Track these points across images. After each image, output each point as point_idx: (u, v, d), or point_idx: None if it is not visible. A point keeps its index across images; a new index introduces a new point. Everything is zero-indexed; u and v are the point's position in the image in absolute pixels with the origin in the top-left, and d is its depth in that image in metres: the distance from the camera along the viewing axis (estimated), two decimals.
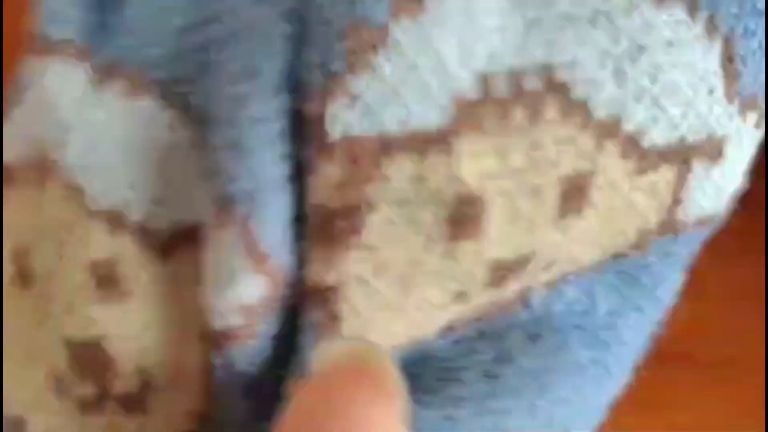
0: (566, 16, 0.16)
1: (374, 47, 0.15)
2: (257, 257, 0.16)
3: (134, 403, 0.17)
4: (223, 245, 0.16)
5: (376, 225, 0.16)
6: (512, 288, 0.18)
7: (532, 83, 0.16)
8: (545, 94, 0.16)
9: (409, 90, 0.15)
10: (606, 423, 0.30)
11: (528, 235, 0.17)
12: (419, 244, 0.16)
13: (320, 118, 0.15)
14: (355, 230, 0.16)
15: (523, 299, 0.18)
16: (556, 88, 0.16)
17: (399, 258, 0.16)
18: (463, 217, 0.16)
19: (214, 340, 0.16)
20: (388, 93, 0.15)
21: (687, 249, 0.20)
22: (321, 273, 0.16)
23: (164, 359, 0.17)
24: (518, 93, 0.16)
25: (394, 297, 0.17)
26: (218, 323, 0.16)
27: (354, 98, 0.15)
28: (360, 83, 0.15)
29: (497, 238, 0.17)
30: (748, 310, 0.30)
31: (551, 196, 0.17)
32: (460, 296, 0.17)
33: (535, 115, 0.16)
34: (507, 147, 0.16)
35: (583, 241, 0.18)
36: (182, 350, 0.17)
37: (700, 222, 0.20)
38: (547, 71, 0.16)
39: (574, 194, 0.17)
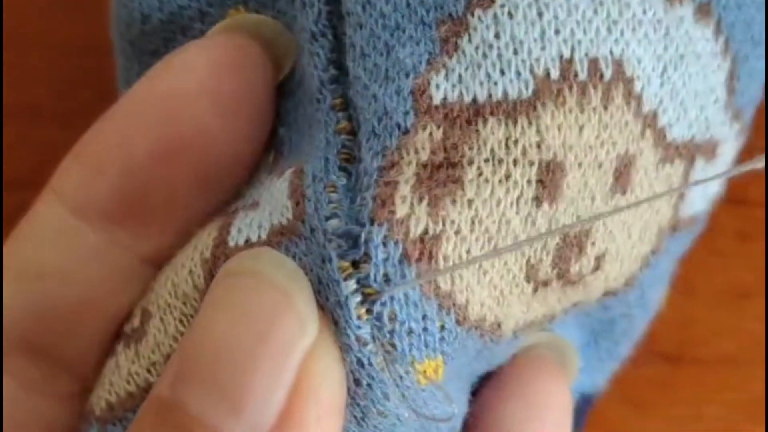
0: (638, 20, 0.19)
1: (458, 33, 0.19)
2: None
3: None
4: None
5: (473, 180, 0.18)
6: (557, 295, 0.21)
7: (607, 72, 0.19)
8: (615, 82, 0.19)
9: (489, 65, 0.18)
10: (604, 423, 0.30)
11: (587, 209, 0.20)
12: (509, 202, 0.19)
13: (426, 88, 0.18)
14: (457, 182, 0.18)
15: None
16: (625, 79, 0.19)
17: (491, 215, 0.19)
18: (547, 182, 0.19)
19: None
20: (474, 67, 0.18)
21: (678, 248, 0.23)
22: (425, 221, 0.18)
23: None
24: (595, 77, 0.19)
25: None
26: None
27: (451, 70, 0.19)
28: (452, 60, 0.19)
29: (566, 209, 0.19)
30: (748, 310, 0.30)
31: (609, 171, 0.19)
32: (530, 270, 0.20)
33: (605, 99, 0.19)
34: (585, 123, 0.19)
35: (622, 232, 0.21)
36: None
37: (692, 220, 0.22)
38: (618, 63, 0.19)
39: (621, 172, 0.20)
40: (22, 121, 0.30)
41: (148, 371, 0.20)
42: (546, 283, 0.20)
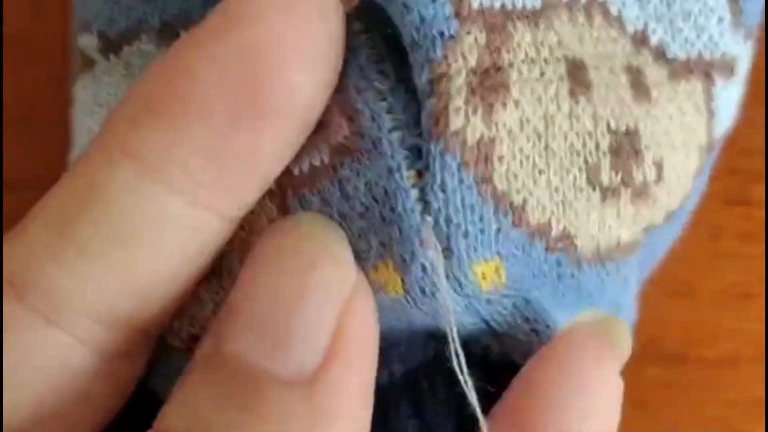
0: None
1: None
2: None
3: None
4: None
5: (516, 82, 0.19)
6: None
7: None
8: (592, 4, 0.20)
9: None
10: None
11: (623, 107, 0.20)
12: (549, 99, 0.19)
13: None
14: (504, 85, 0.19)
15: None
16: (597, 3, 0.20)
17: (536, 113, 0.19)
18: (577, 76, 0.20)
19: None
20: None
21: (703, 182, 0.23)
22: (480, 128, 0.19)
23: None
24: (574, 1, 0.20)
25: (535, 154, 0.19)
26: None
27: None
28: None
29: (604, 106, 0.20)
30: (750, 311, 0.30)
31: (623, 79, 0.20)
32: (591, 171, 0.20)
33: (589, 18, 0.20)
34: (581, 36, 0.20)
35: (666, 139, 0.21)
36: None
37: (720, 141, 0.23)
38: None
39: (637, 83, 0.21)
40: (22, 121, 0.30)
41: None
42: (614, 192, 0.20)
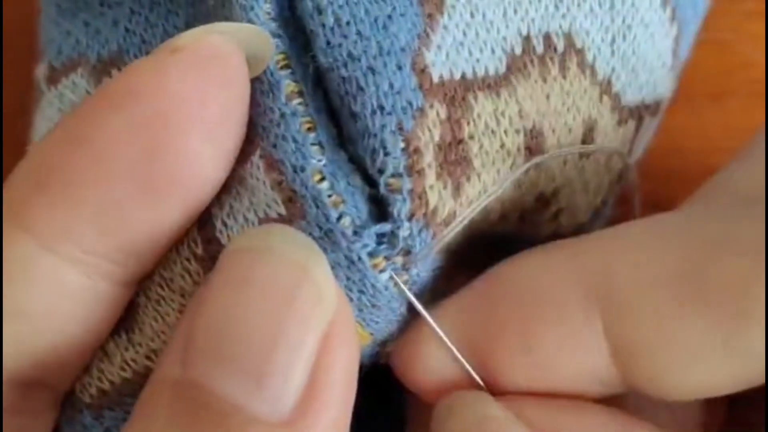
0: None
1: (440, 10, 0.19)
2: None
3: None
4: None
5: (478, 154, 0.20)
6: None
7: (559, 44, 0.20)
8: (568, 53, 0.21)
9: (470, 43, 0.19)
10: None
11: (563, 170, 0.21)
12: (506, 169, 0.20)
13: (424, 65, 0.19)
14: (467, 158, 0.19)
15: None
16: (576, 50, 0.21)
17: (494, 183, 0.20)
18: (532, 148, 0.20)
19: None
20: (458, 45, 0.19)
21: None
22: (450, 204, 0.19)
23: None
24: (550, 50, 0.20)
25: (479, 218, 0.20)
26: None
27: (438, 47, 0.19)
28: (437, 36, 0.19)
29: (546, 173, 0.21)
30: None
31: (578, 137, 0.21)
32: (502, 218, 0.21)
33: (563, 69, 0.20)
34: (549, 92, 0.20)
35: (583, 190, 0.22)
36: None
37: (633, 168, 0.24)
38: (568, 37, 0.20)
39: (587, 140, 0.21)
40: (22, 121, 0.30)
41: (147, 358, 0.20)
42: (505, 224, 0.22)
